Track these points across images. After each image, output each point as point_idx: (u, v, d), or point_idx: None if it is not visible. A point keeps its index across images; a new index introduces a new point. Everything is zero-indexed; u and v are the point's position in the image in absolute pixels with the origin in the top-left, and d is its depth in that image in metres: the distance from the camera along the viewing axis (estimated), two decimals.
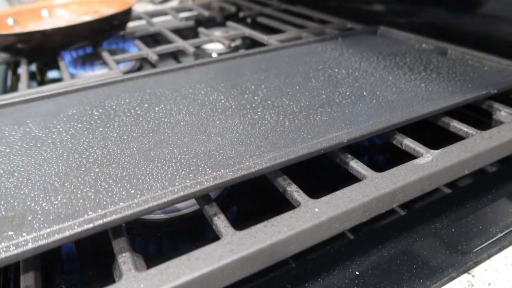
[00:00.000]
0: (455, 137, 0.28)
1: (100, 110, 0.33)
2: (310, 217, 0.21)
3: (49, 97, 0.36)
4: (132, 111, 0.32)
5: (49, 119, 0.32)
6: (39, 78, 0.55)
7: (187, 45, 0.52)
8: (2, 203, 0.22)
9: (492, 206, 0.27)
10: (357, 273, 0.23)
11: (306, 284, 0.22)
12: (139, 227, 0.28)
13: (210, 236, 0.27)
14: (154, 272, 0.18)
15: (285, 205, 0.23)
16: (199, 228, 0.28)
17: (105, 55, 0.50)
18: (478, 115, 0.36)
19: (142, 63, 0.56)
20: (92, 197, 0.22)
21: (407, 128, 0.29)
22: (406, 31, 0.48)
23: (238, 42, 0.61)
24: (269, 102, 0.32)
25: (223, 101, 0.33)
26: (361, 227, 0.23)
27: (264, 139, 0.27)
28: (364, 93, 0.33)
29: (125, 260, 0.19)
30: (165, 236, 0.28)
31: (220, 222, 0.21)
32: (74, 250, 0.27)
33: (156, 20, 0.71)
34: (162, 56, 0.52)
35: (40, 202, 0.22)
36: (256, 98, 0.33)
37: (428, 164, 0.24)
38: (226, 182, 0.23)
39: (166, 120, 0.30)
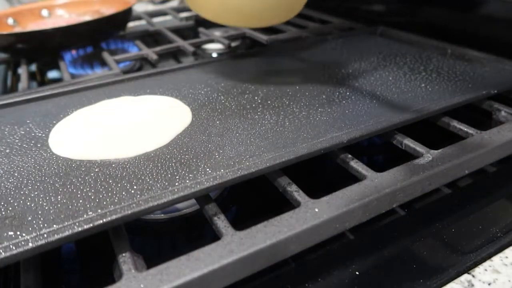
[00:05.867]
0: (455, 137, 0.28)
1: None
2: (310, 217, 0.21)
3: (49, 97, 0.36)
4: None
5: (49, 119, 0.32)
6: (39, 78, 0.55)
7: (187, 45, 0.52)
8: (2, 203, 0.22)
9: (492, 206, 0.27)
10: (357, 273, 0.23)
11: (306, 284, 0.22)
12: (139, 227, 0.28)
13: (210, 236, 0.27)
14: (154, 272, 0.18)
15: (285, 205, 0.23)
16: (199, 228, 0.28)
17: (105, 55, 0.50)
18: (478, 115, 0.36)
19: (142, 63, 0.56)
20: (92, 197, 0.22)
21: (407, 128, 0.29)
22: (406, 31, 0.48)
23: (238, 42, 0.61)
24: (269, 102, 0.32)
25: (223, 101, 0.33)
26: (361, 227, 0.23)
27: (264, 139, 0.27)
28: (364, 93, 0.33)
29: (125, 260, 0.19)
30: (165, 236, 0.28)
31: (220, 222, 0.21)
32: (74, 250, 0.27)
33: (156, 20, 0.71)
34: (162, 56, 0.52)
35: (40, 202, 0.22)
36: (256, 98, 0.33)
37: (428, 164, 0.24)
38: (226, 182, 0.23)
39: None
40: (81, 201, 0.21)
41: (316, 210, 0.21)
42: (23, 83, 0.44)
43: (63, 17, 0.65)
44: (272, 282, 0.23)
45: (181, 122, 0.29)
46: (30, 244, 0.19)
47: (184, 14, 0.71)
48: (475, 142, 0.26)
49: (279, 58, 0.43)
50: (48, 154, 0.27)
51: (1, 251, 0.18)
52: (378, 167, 0.24)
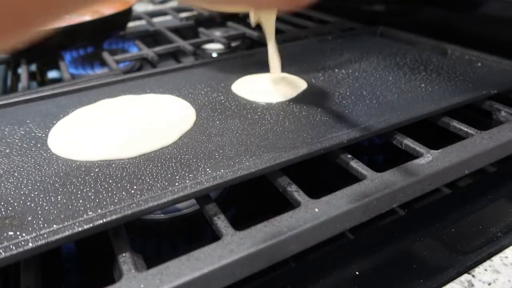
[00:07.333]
0: (455, 137, 0.28)
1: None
2: (310, 217, 0.21)
3: (49, 97, 0.36)
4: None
5: (49, 119, 0.32)
6: (39, 78, 0.55)
7: (187, 45, 0.52)
8: (2, 203, 0.22)
9: (492, 206, 0.27)
10: (357, 273, 0.23)
11: (306, 284, 0.22)
12: (139, 227, 0.28)
13: (210, 236, 0.27)
14: (154, 272, 0.18)
15: (285, 205, 0.23)
16: (199, 228, 0.28)
17: (105, 55, 0.50)
18: (478, 115, 0.36)
19: (142, 63, 0.56)
20: (92, 197, 0.22)
21: (407, 128, 0.29)
22: (406, 31, 0.48)
23: (238, 42, 0.61)
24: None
25: (223, 101, 0.33)
26: (361, 227, 0.23)
27: (264, 139, 0.27)
28: (364, 93, 0.33)
29: (125, 260, 0.19)
30: (165, 236, 0.28)
31: (220, 222, 0.21)
32: (74, 250, 0.27)
33: (156, 20, 0.71)
34: (162, 56, 0.52)
35: (40, 202, 0.22)
36: None
37: (428, 164, 0.24)
38: (226, 182, 0.23)
39: None
40: (81, 201, 0.21)
41: (316, 210, 0.21)
42: (23, 83, 0.44)
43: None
44: (272, 282, 0.23)
45: (185, 122, 0.29)
46: (30, 244, 0.19)
47: (184, 14, 0.71)
48: (475, 142, 0.26)
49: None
50: (48, 154, 0.27)
51: (1, 251, 0.18)
52: (378, 167, 0.24)
